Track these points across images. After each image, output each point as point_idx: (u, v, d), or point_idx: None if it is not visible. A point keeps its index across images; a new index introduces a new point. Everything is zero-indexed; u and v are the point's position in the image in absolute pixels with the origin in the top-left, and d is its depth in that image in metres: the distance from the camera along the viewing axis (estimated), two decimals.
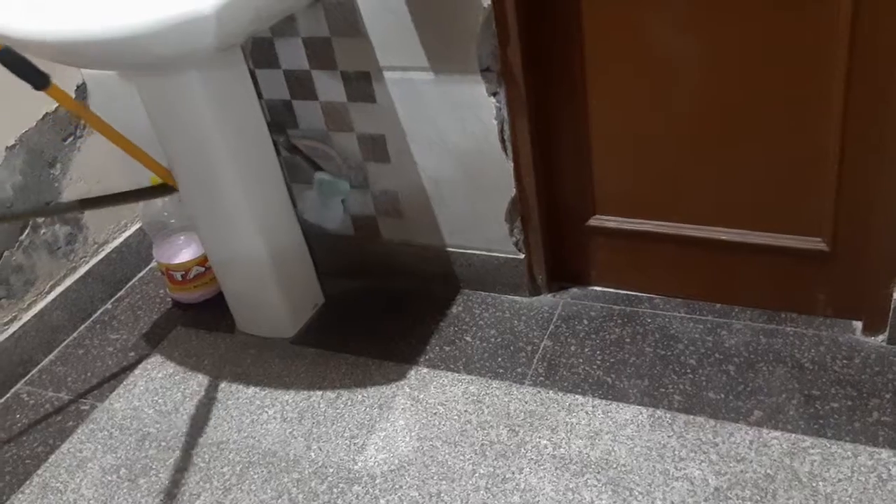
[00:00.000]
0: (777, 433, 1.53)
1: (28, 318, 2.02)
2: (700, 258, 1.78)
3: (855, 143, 1.50)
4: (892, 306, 1.61)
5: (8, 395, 1.97)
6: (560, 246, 1.90)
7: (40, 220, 2.02)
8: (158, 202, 2.14)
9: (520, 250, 1.89)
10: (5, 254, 1.95)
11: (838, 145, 1.52)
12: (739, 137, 1.59)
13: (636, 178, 1.73)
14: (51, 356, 2.08)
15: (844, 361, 1.65)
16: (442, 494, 1.54)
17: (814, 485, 1.42)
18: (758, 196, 1.65)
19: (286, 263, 1.92)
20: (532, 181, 1.77)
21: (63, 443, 1.81)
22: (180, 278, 2.08)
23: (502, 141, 1.71)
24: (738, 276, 1.77)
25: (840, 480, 1.42)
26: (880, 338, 1.67)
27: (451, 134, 1.75)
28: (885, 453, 1.45)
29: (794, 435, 1.52)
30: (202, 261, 2.06)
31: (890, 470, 1.42)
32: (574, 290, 1.96)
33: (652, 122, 1.63)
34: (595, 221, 1.84)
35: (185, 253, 2.09)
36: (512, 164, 1.75)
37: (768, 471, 1.46)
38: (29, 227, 2.00)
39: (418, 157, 1.83)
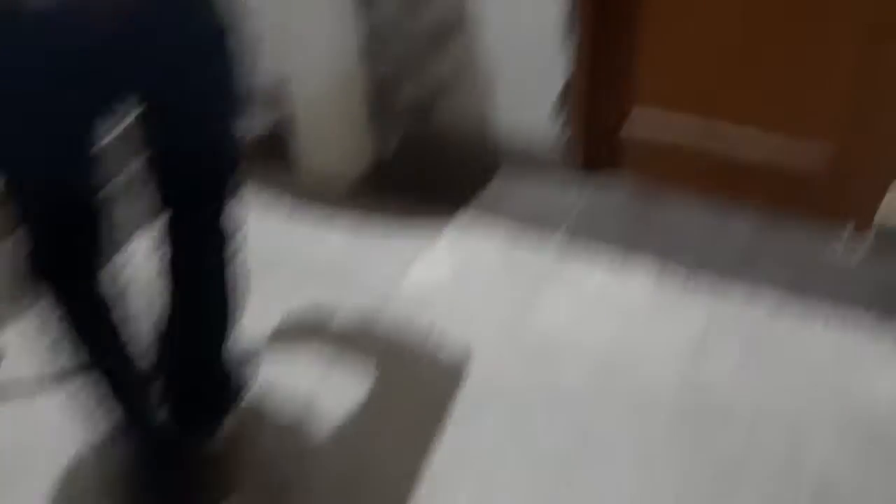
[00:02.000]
0: (767, 298, 1.79)
1: None
2: (722, 157, 2.03)
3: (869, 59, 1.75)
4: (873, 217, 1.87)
5: None
6: (600, 133, 2.14)
7: None
8: None
9: (563, 133, 2.14)
10: None
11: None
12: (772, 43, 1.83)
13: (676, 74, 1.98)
14: None
15: (839, 259, 1.90)
16: (474, 314, 1.80)
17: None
18: (779, 97, 1.89)
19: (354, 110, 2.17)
20: (587, 67, 2.01)
21: None
22: None
23: (567, 24, 1.95)
24: (751, 175, 2.02)
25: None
26: (866, 243, 1.92)
27: (519, 13, 1.98)
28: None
29: (782, 299, 1.78)
30: None
31: None
32: (607, 174, 2.19)
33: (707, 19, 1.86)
34: (634, 115, 2.09)
35: None
36: (571, 48, 1.98)
37: (758, 323, 1.73)
38: None
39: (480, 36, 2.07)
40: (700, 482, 1.45)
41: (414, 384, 1.68)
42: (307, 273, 1.94)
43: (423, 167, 2.30)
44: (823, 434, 1.52)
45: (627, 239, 1.98)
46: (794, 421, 1.54)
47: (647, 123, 2.09)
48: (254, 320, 1.59)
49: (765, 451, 1.49)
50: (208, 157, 1.26)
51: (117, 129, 1.24)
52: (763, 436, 1.51)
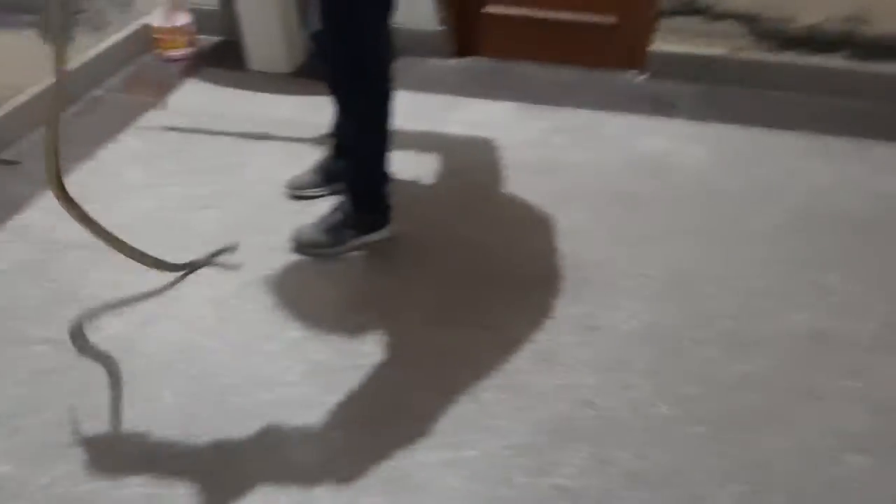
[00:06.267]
0: (584, 111, 2.79)
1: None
2: (550, 34, 3.02)
3: None
4: (647, 57, 2.92)
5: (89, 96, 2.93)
6: (467, 24, 3.08)
7: None
8: None
9: (441, 25, 3.06)
10: None
11: None
12: None
13: None
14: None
15: (628, 85, 2.94)
16: None
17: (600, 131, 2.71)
18: None
19: (287, 14, 3.00)
20: None
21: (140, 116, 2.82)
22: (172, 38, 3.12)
23: None
24: (567, 44, 3.02)
25: (611, 121, 2.71)
26: (645, 76, 2.98)
27: None
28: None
29: (595, 111, 2.79)
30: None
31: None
32: (475, 57, 3.14)
33: None
34: (489, 9, 3.04)
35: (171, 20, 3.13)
36: None
37: (566, 122, 2.73)
38: None
39: None
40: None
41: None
42: (274, 124, 2.76)
43: None
44: (618, 168, 2.51)
45: (491, 90, 2.93)
46: (599, 167, 2.53)
47: (497, 14, 3.05)
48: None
49: (585, 186, 2.47)
50: None
51: None
52: (580, 175, 2.49)
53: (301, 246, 2.16)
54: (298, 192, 2.38)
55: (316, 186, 2.37)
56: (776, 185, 2.42)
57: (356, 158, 2.12)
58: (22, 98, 2.66)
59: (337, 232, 2.13)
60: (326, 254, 2.15)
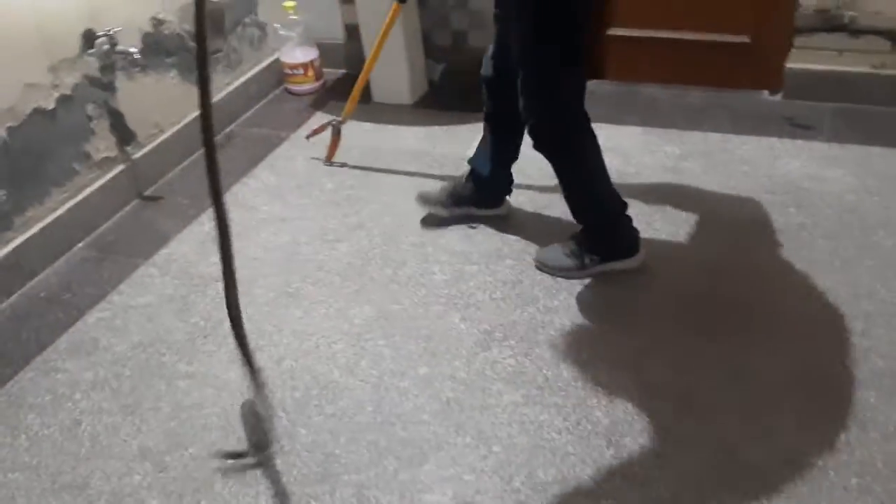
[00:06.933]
0: (715, 134, 2.69)
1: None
2: (677, 55, 2.93)
3: None
4: (783, 76, 2.79)
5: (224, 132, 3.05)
6: (591, 47, 3.03)
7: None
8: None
9: None
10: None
11: None
12: None
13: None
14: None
15: (756, 106, 2.82)
16: (523, 166, 2.67)
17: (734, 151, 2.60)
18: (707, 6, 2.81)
19: (412, 50, 3.03)
20: None
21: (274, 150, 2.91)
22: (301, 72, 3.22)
23: None
24: (695, 65, 2.93)
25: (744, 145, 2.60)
26: (779, 96, 2.85)
27: None
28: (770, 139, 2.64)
29: (726, 134, 2.69)
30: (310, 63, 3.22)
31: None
32: (599, 80, 3.08)
33: None
34: (614, 31, 2.99)
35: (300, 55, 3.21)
36: None
37: (709, 148, 2.63)
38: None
39: None
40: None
41: None
42: (401, 154, 2.79)
43: (464, 88, 3.17)
44: (758, 196, 2.40)
45: (616, 114, 2.87)
46: (738, 190, 2.43)
47: (622, 36, 2.99)
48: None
49: (723, 216, 2.37)
50: None
51: None
52: (719, 205, 2.40)
53: (544, 266, 2.20)
54: (425, 204, 2.43)
55: (441, 205, 2.40)
56: None
57: (572, 200, 2.13)
58: (164, 137, 2.79)
59: (579, 256, 2.16)
60: (568, 276, 2.17)
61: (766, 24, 2.79)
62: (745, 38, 2.84)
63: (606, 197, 2.11)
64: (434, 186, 2.49)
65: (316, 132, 2.78)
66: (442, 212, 2.41)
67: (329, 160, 2.77)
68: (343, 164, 2.76)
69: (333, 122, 2.75)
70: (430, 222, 2.42)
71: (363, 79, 2.70)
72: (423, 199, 2.42)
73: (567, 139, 2.01)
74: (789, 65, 2.81)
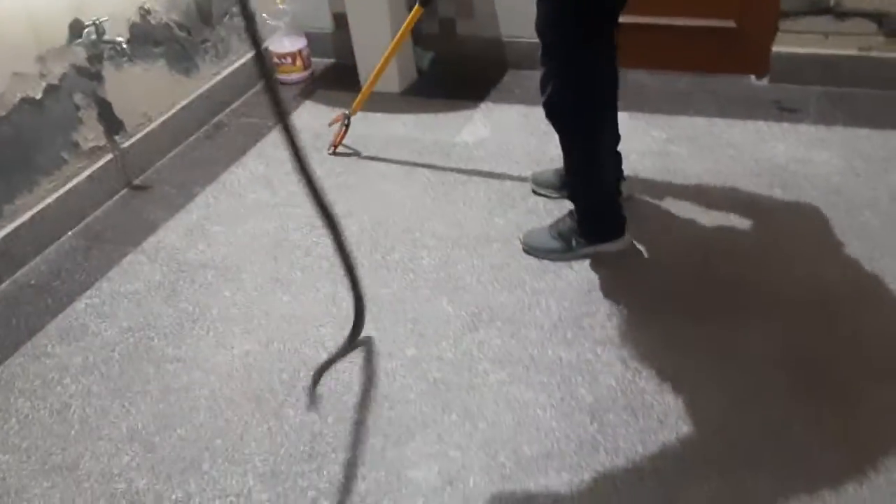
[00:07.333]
0: (701, 118, 2.71)
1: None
2: (663, 40, 2.94)
3: None
4: (769, 60, 2.80)
5: (213, 122, 3.05)
6: None
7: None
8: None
9: None
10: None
11: None
12: None
13: None
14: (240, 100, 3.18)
15: (743, 90, 2.84)
16: (512, 151, 2.68)
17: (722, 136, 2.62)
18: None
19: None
20: None
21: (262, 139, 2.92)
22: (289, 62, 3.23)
23: None
24: (681, 49, 2.94)
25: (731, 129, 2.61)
26: (766, 80, 2.86)
27: None
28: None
29: (712, 118, 2.70)
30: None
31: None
32: None
33: None
34: None
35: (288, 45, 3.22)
36: None
37: (696, 132, 2.64)
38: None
39: None
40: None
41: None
42: (391, 142, 2.80)
43: (452, 76, 3.18)
44: (744, 179, 2.42)
45: None
46: (720, 176, 2.44)
47: None
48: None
49: (709, 199, 2.38)
50: None
51: None
52: (706, 188, 2.41)
53: (531, 249, 2.21)
54: (539, 188, 2.45)
55: (553, 188, 2.42)
56: None
57: (571, 176, 2.14)
58: (152, 126, 2.80)
59: (566, 239, 2.17)
60: (555, 258, 2.18)
61: (752, 8, 2.80)
62: (731, 23, 2.86)
63: (606, 180, 2.12)
64: (424, 173, 2.51)
65: (336, 121, 2.80)
66: None
67: (335, 148, 2.78)
68: (354, 153, 2.78)
69: (346, 114, 2.77)
70: None
71: (376, 76, 2.71)
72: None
73: (578, 114, 1.99)
74: (775, 49, 2.82)
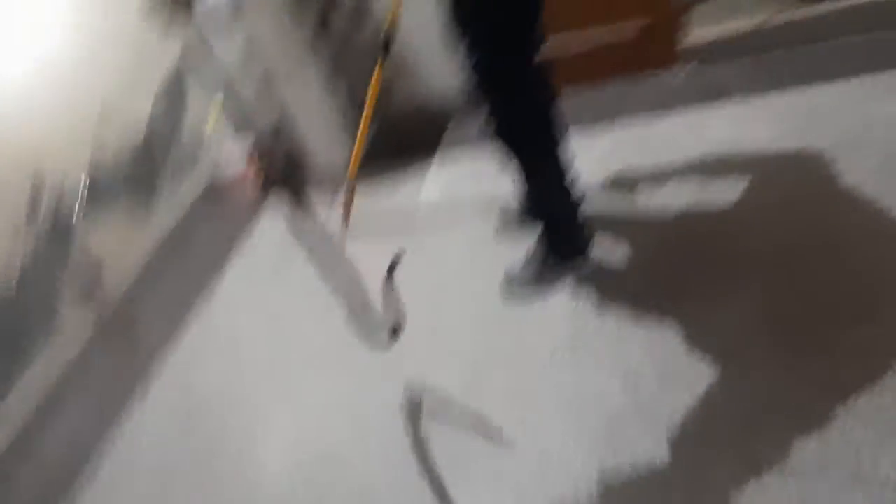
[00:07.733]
0: (637, 119, 2.80)
1: None
2: (581, 54, 3.05)
3: None
4: (687, 49, 2.92)
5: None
6: None
7: None
8: None
9: None
10: None
11: None
12: None
13: None
14: None
15: (675, 82, 2.94)
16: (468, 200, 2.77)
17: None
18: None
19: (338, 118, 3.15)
20: None
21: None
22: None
23: None
24: (601, 58, 3.04)
25: (663, 124, 2.71)
26: (689, 67, 2.97)
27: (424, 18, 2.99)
28: None
29: (647, 117, 2.80)
30: None
31: None
32: None
33: None
34: None
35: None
36: None
37: (636, 134, 2.74)
38: None
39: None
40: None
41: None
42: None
43: (398, 137, 3.28)
44: (690, 170, 2.50)
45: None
46: (672, 167, 2.52)
47: None
48: None
49: (661, 197, 2.46)
50: None
51: None
52: (655, 187, 2.49)
53: (513, 281, 2.30)
54: (507, 228, 2.54)
55: (519, 221, 2.50)
56: (859, 136, 2.35)
57: (535, 196, 2.22)
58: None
59: (543, 262, 2.24)
60: (537, 286, 2.25)
61: (661, 2, 2.92)
62: (644, 20, 2.96)
63: (570, 187, 2.17)
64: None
65: (347, 201, 2.79)
66: None
67: (346, 222, 2.78)
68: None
69: (349, 184, 2.76)
70: None
71: (361, 136, 2.67)
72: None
73: (529, 127, 2.06)
74: (691, 37, 2.93)
